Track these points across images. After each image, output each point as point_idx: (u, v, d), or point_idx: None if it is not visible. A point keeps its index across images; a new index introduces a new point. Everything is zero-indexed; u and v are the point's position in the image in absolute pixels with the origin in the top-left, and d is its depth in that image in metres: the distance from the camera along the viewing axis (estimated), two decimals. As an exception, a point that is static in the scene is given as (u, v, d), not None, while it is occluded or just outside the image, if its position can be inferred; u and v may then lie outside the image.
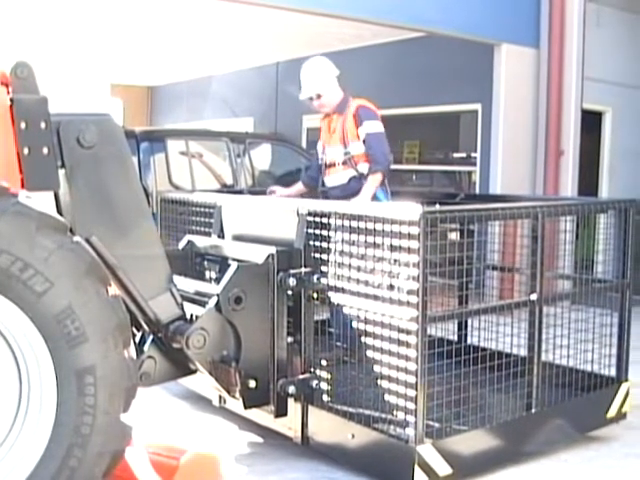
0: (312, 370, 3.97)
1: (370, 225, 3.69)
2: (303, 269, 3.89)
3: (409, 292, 3.51)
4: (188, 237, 4.53)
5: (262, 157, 9.13)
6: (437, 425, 3.72)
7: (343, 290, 3.85)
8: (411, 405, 3.53)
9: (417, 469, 3.55)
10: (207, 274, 4.44)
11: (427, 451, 3.58)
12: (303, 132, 12.28)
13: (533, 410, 4.07)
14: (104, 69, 6.15)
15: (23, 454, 2.74)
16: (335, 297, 3.90)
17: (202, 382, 4.21)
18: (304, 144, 11.45)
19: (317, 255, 3.94)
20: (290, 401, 3.94)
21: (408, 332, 3.52)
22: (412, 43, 9.85)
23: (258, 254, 3.88)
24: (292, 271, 3.84)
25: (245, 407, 3.86)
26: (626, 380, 4.56)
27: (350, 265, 3.81)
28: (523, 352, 4.24)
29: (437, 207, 3.84)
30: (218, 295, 3.68)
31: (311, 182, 5.64)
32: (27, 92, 2.99)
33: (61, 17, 5.76)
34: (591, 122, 9.40)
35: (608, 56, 9.40)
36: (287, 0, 7.01)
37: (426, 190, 9.18)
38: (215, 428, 4.47)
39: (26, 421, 2.76)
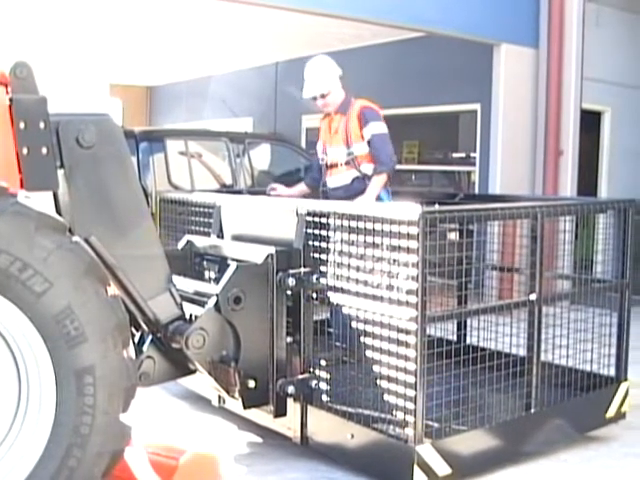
0: (311, 370, 3.98)
1: (369, 225, 3.69)
2: (302, 269, 3.89)
3: (408, 292, 3.51)
4: (187, 237, 4.53)
5: (261, 157, 9.13)
6: (436, 425, 3.72)
7: (342, 290, 3.85)
8: (410, 405, 3.53)
9: (416, 469, 3.55)
10: (206, 274, 4.44)
11: (426, 451, 3.58)
12: (302, 132, 12.28)
13: (532, 410, 4.07)
14: (103, 69, 6.14)
15: (22, 454, 2.74)
16: (334, 297, 3.90)
17: (201, 382, 4.22)
18: (303, 144, 11.45)
19: (316, 255, 3.94)
20: (289, 401, 3.94)
21: (407, 332, 3.53)
22: (411, 43, 9.85)
23: (257, 254, 3.88)
24: (291, 271, 3.84)
25: (244, 407, 3.86)
26: (625, 380, 4.57)
27: (349, 265, 3.81)
28: (522, 352, 4.25)
29: (436, 207, 3.84)
30: (217, 295, 3.68)
31: (314, 183, 5.62)
32: (26, 92, 2.99)
33: (60, 17, 5.76)
34: (590, 122, 9.40)
35: (607, 56, 9.41)
36: (287, 0, 7.01)
37: (425, 190, 9.19)
38: (214, 428, 4.47)
39: (25, 421, 2.76)
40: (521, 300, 4.22)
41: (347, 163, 5.29)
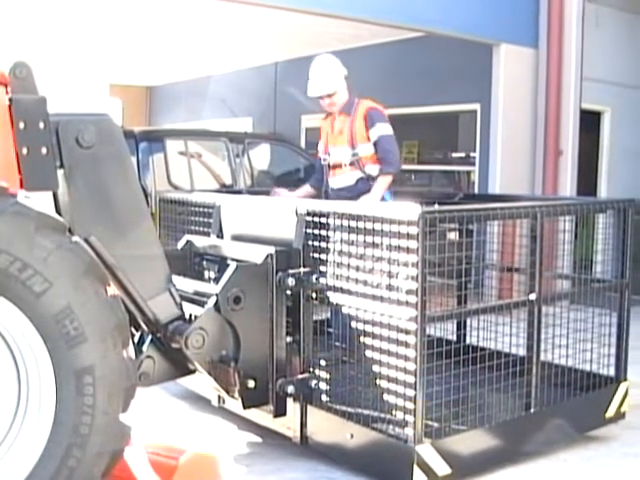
0: (311, 370, 3.98)
1: (369, 225, 3.69)
2: (302, 269, 3.89)
3: (408, 292, 3.51)
4: (187, 237, 4.53)
5: (261, 157, 9.12)
6: (436, 425, 3.72)
7: (342, 290, 3.85)
8: (410, 405, 3.53)
9: (416, 469, 3.55)
10: (206, 274, 4.44)
11: (426, 451, 3.58)
12: (302, 132, 12.28)
13: (532, 410, 4.07)
14: (103, 69, 6.14)
15: (22, 454, 2.74)
16: (334, 297, 3.90)
17: (201, 382, 4.22)
18: (303, 144, 11.45)
19: (316, 255, 3.94)
20: (289, 401, 3.94)
21: (407, 332, 3.53)
22: (411, 43, 9.85)
23: (257, 254, 3.88)
24: (291, 271, 3.84)
25: (244, 407, 3.86)
26: (625, 380, 4.57)
27: (349, 265, 3.81)
28: (522, 352, 4.25)
29: (436, 207, 3.84)
30: (217, 295, 3.68)
31: (318, 184, 5.59)
32: (26, 92, 2.99)
33: (60, 17, 5.76)
34: (590, 122, 9.40)
35: (607, 56, 9.41)
36: (286, 0, 7.00)
37: (425, 190, 9.19)
38: (214, 428, 4.47)
39: (25, 421, 2.76)
40: (521, 300, 4.22)
41: (351, 164, 5.29)
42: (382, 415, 3.77)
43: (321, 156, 5.54)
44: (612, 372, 4.54)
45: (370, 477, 3.80)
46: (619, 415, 4.55)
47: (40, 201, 2.86)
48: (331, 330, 4.60)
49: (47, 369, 2.71)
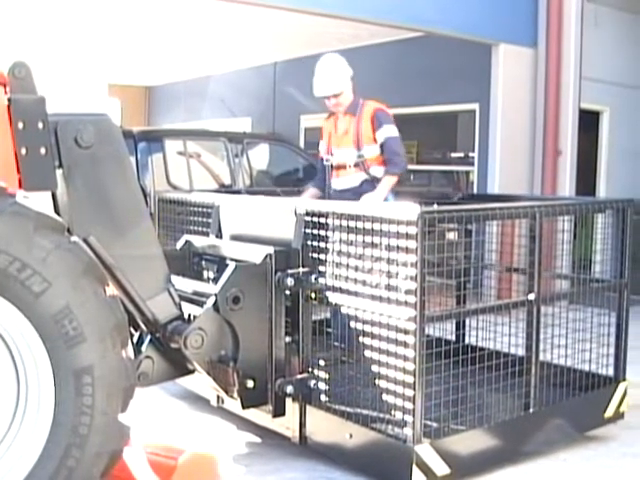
0: (310, 370, 3.97)
1: (368, 225, 3.69)
2: (301, 269, 3.89)
3: (407, 292, 3.51)
4: (186, 237, 4.53)
5: (260, 157, 9.12)
6: (435, 425, 3.73)
7: (341, 290, 3.85)
8: (409, 405, 3.53)
9: (415, 469, 3.55)
10: (205, 274, 4.44)
11: (425, 451, 3.58)
12: (301, 132, 12.28)
13: (531, 410, 4.07)
14: (102, 69, 6.14)
15: (21, 454, 2.73)
16: (333, 297, 3.89)
17: (200, 382, 4.21)
18: (302, 144, 11.45)
19: (315, 255, 3.94)
20: (288, 401, 3.94)
21: (406, 332, 3.52)
22: (410, 43, 9.85)
23: (256, 254, 3.88)
24: (290, 271, 3.84)
25: (243, 407, 3.86)
26: (624, 380, 4.57)
27: (348, 265, 3.81)
28: (521, 352, 4.25)
29: (435, 207, 3.84)
30: (216, 295, 3.68)
31: (323, 185, 5.54)
32: (25, 92, 2.99)
33: (59, 17, 5.76)
34: (589, 122, 9.40)
35: (606, 56, 9.41)
36: (286, 0, 7.00)
37: (424, 190, 9.18)
38: (213, 428, 4.47)
39: (24, 421, 2.76)
40: (520, 300, 4.22)
41: (356, 165, 5.27)
42: (381, 415, 3.77)
43: (323, 157, 5.52)
44: (611, 372, 4.54)
45: (369, 477, 3.80)
46: (618, 415, 4.55)
47: (39, 201, 2.86)
48: (330, 330, 4.60)
49: (46, 369, 2.71)
